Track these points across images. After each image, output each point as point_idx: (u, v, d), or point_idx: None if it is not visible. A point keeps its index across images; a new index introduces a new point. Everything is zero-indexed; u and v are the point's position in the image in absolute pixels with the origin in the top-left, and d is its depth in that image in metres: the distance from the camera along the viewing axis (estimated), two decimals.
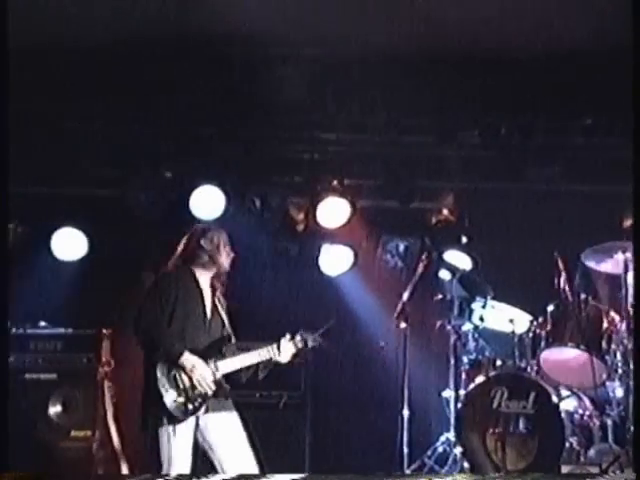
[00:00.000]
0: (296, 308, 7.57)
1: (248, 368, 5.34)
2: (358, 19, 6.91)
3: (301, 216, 8.09)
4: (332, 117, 7.85)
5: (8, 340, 5.34)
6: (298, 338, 5.40)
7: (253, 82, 7.49)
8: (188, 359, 5.14)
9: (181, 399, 5.13)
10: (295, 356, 5.45)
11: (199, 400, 5.15)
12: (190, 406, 5.13)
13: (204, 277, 5.37)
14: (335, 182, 7.93)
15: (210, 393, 5.16)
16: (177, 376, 5.14)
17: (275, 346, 5.33)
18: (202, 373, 5.15)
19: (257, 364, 5.34)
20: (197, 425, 5.20)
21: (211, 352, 5.25)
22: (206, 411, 5.18)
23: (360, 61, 7.42)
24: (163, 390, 5.10)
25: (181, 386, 5.14)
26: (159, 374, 5.11)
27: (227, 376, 5.29)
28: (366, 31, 7.06)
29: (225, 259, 5.39)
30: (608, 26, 6.73)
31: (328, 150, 8.01)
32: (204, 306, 5.34)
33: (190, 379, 5.14)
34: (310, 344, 5.44)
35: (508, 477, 6.22)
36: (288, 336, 5.39)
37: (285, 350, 5.35)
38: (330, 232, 7.99)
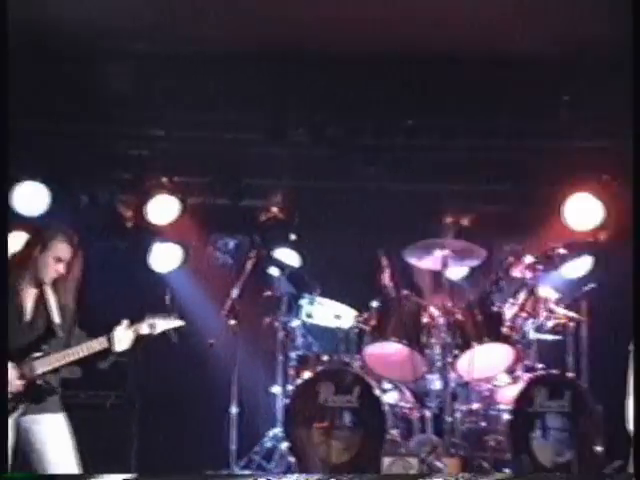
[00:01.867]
0: (126, 306, 7.43)
1: (84, 363, 5.23)
2: (190, 14, 6.87)
3: (130, 213, 7.98)
4: (161, 113, 7.77)
5: (7, 341, 5.16)
6: (143, 324, 5.29)
7: (81, 76, 7.34)
8: None
9: None
10: (136, 344, 5.33)
11: (11, 404, 5.01)
12: None
13: (25, 277, 5.24)
14: (164, 179, 7.87)
15: (14, 391, 5.01)
16: None
17: (105, 338, 5.22)
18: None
19: (95, 357, 5.22)
20: (18, 427, 5.06)
21: (29, 352, 5.11)
22: (23, 414, 5.05)
23: (190, 57, 7.38)
24: None
25: None
26: None
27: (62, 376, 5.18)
28: (199, 27, 7.03)
29: (50, 267, 5.23)
30: (432, 31, 6.97)
31: (157, 147, 7.92)
32: (22, 307, 5.20)
33: None
34: (160, 329, 5.33)
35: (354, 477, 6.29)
36: (125, 323, 5.27)
37: (122, 338, 5.24)
38: (160, 229, 7.93)
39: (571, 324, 7.03)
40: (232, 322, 7.11)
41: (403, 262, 7.24)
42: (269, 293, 7.59)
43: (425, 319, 7.01)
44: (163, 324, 5.37)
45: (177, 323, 5.45)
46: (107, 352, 5.23)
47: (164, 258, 7.97)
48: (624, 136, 7.51)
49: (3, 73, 5.19)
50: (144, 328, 5.31)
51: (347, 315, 7.34)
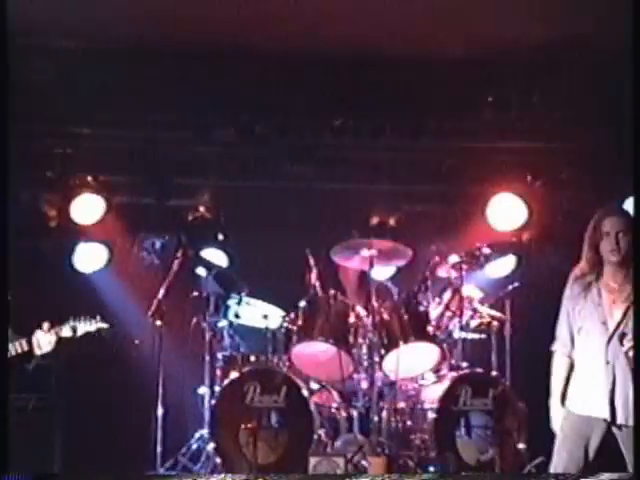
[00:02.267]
0: (50, 307, 7.33)
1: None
2: (116, 13, 6.79)
3: (54, 212, 7.86)
4: (87, 111, 7.66)
5: (7, 340, 5.03)
6: (65, 326, 5.21)
7: (4, 73, 7.17)
8: None
9: None
10: (59, 346, 5.24)
11: None
12: None
13: None
14: (89, 178, 7.77)
15: None
16: None
17: (25, 340, 5.13)
18: None
19: (16, 360, 5.12)
20: None
21: None
22: None
23: (117, 55, 7.30)
24: None
25: None
26: None
27: None
28: (127, 25, 6.95)
29: None
30: (359, 31, 7.00)
31: (82, 145, 7.81)
32: None
33: None
34: (82, 331, 5.25)
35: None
36: (46, 325, 5.18)
37: (43, 341, 5.15)
38: (84, 229, 7.83)
39: (495, 323, 7.12)
40: (158, 323, 7.04)
41: (330, 262, 7.24)
42: (196, 293, 7.53)
43: (352, 319, 7.01)
44: (85, 326, 5.31)
45: (100, 325, 5.39)
46: (28, 355, 5.15)
47: (89, 258, 7.86)
48: (549, 137, 7.75)
49: None
50: (66, 331, 5.24)
51: (274, 315, 7.33)
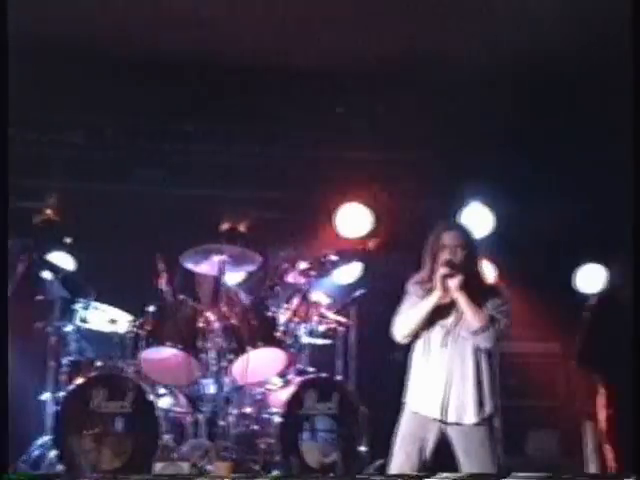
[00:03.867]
0: None
1: None
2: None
3: None
4: None
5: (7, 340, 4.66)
6: None
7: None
8: None
9: None
10: None
11: None
12: None
13: None
14: None
15: None
16: None
17: None
18: None
19: None
20: None
21: None
22: None
23: None
24: None
25: None
26: None
27: None
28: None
29: None
30: (216, 37, 7.03)
31: None
32: None
33: None
34: None
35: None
36: None
37: None
38: None
39: (341, 328, 7.29)
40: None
41: (180, 267, 7.22)
42: (41, 297, 7.38)
43: (201, 324, 7.00)
44: None
45: None
46: None
47: None
48: (394, 148, 7.99)
49: None
50: None
51: (123, 320, 7.24)
